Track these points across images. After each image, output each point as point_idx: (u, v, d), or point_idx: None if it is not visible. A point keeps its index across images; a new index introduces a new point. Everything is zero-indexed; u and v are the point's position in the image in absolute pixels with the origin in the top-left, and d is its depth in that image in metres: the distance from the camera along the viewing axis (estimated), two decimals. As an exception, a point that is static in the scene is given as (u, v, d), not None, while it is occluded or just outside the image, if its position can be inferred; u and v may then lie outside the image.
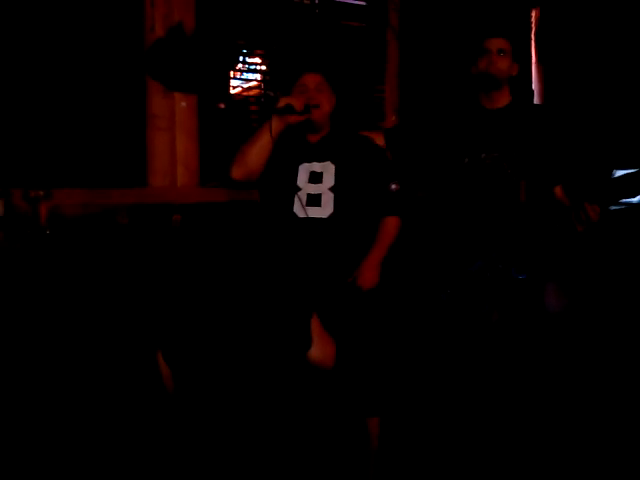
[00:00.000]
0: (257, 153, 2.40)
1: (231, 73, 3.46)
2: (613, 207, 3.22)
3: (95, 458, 2.37)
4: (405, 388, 2.57)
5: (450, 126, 2.64)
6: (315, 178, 2.43)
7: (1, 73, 2.74)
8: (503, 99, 2.61)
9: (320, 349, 1.93)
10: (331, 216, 2.37)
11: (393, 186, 2.48)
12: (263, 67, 3.51)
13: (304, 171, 2.44)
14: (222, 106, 3.39)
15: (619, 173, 3.57)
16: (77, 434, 2.43)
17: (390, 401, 2.41)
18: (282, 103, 2.38)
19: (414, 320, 2.96)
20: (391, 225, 2.48)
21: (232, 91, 3.47)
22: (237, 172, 2.44)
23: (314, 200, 2.38)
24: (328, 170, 2.43)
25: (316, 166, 2.46)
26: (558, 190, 2.66)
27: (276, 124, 2.38)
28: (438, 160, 2.64)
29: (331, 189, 2.41)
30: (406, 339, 2.81)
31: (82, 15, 2.94)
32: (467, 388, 2.64)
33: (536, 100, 4.14)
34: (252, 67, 3.52)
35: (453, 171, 2.61)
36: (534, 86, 4.22)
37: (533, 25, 4.25)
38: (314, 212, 2.39)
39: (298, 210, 2.38)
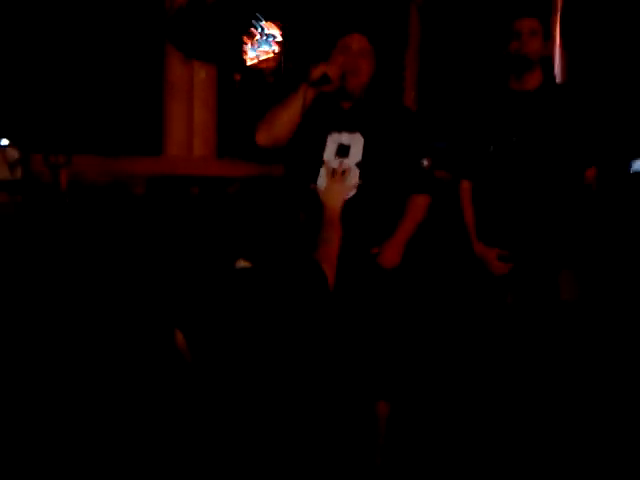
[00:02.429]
0: (287, 120, 2.29)
1: (249, 44, 3.40)
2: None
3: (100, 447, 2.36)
4: (415, 373, 2.56)
5: (479, 110, 2.59)
6: (343, 151, 2.34)
7: (25, 41, 2.69)
8: (534, 81, 2.56)
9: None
10: (355, 196, 2.30)
11: (425, 162, 2.39)
12: (282, 38, 3.45)
13: (332, 143, 2.34)
14: (238, 77, 3.34)
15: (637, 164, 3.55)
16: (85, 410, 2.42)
17: (400, 385, 2.39)
18: (318, 72, 2.27)
19: (430, 305, 2.95)
20: (421, 204, 2.39)
21: (250, 63, 3.42)
22: (263, 137, 2.34)
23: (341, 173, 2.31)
24: (356, 143, 2.33)
25: (345, 137, 2.36)
26: (590, 173, 2.63)
27: (310, 92, 2.28)
28: (467, 144, 2.59)
29: (358, 165, 2.32)
30: (420, 323, 2.79)
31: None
32: (476, 374, 2.64)
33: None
34: (270, 38, 3.46)
35: (482, 155, 2.56)
36: (556, 71, 4.18)
37: (558, 10, 4.19)
38: None
39: (320, 184, 2.30)
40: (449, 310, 2.94)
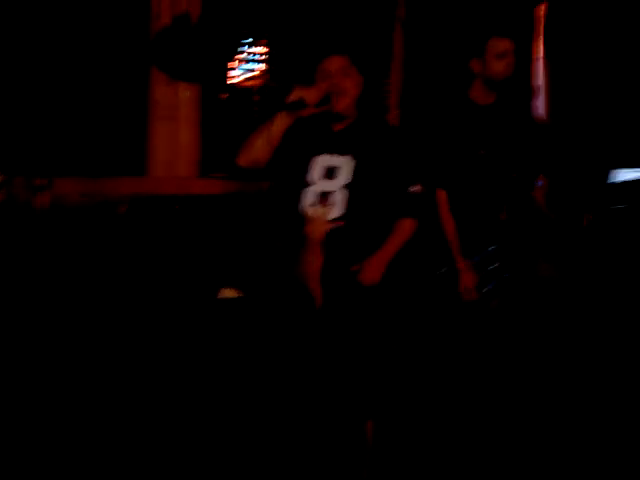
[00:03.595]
0: (263, 144, 2.32)
1: (235, 63, 3.43)
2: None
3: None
4: (400, 391, 2.57)
5: (448, 122, 2.67)
6: (330, 173, 2.34)
7: (4, 61, 2.71)
8: (492, 95, 2.68)
9: None
10: (341, 217, 2.30)
11: (415, 188, 2.41)
12: (267, 57, 3.48)
13: (320, 165, 2.35)
14: (224, 96, 3.37)
15: (622, 173, 3.57)
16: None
17: (385, 403, 2.39)
18: (294, 97, 2.28)
19: (412, 321, 2.95)
20: (407, 227, 2.40)
21: (234, 81, 3.44)
22: (243, 159, 2.37)
23: (325, 199, 2.31)
24: (346, 165, 2.34)
25: (335, 159, 2.36)
26: (537, 194, 2.72)
27: (285, 118, 2.30)
28: (439, 155, 2.64)
29: (346, 186, 2.32)
30: (402, 340, 2.80)
31: (88, 1, 2.91)
32: (463, 386, 2.64)
33: (542, 96, 4.11)
34: (256, 57, 3.49)
35: (453, 166, 2.64)
36: (539, 82, 4.20)
37: (541, 20, 4.22)
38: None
39: (307, 207, 2.30)
40: (430, 325, 2.94)
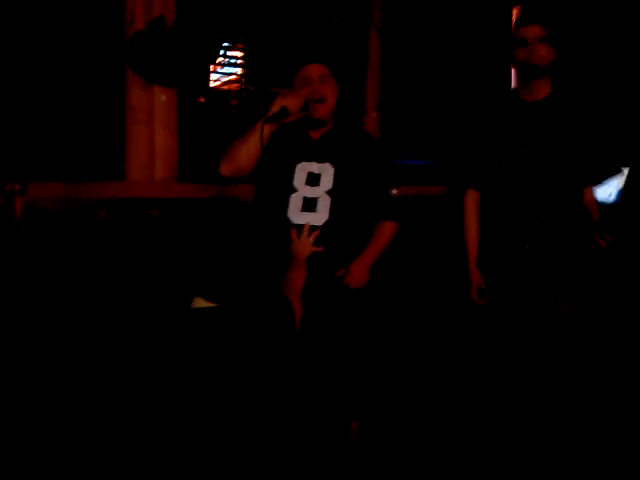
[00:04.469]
0: (247, 153, 2.33)
1: (211, 67, 3.41)
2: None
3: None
4: (384, 391, 2.57)
5: (489, 121, 2.54)
6: (313, 180, 2.36)
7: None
8: (543, 90, 2.50)
9: None
10: (326, 223, 2.31)
11: (394, 191, 2.44)
12: (244, 61, 3.47)
13: (302, 171, 2.37)
14: (202, 100, 3.35)
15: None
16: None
17: (368, 403, 2.39)
18: (277, 107, 2.29)
19: (400, 321, 2.96)
20: (388, 230, 2.44)
21: (212, 85, 3.43)
22: (226, 169, 2.37)
23: (310, 204, 2.33)
24: (327, 172, 2.36)
25: (314, 167, 2.39)
26: (588, 194, 2.55)
27: (269, 126, 2.30)
28: (475, 153, 2.55)
29: (328, 192, 2.34)
30: (389, 341, 2.80)
31: (61, 6, 2.87)
32: (449, 388, 2.64)
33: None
34: (233, 61, 3.47)
35: (488, 166, 2.52)
36: (514, 85, 4.24)
37: (514, 25, 4.26)
38: (308, 218, 2.32)
39: (292, 214, 2.31)
40: (418, 327, 2.95)
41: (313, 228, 2.23)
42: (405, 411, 2.68)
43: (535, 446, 2.44)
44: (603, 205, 3.02)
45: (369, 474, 2.34)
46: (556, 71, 2.53)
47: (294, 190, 2.36)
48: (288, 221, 2.34)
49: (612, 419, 2.65)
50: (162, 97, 3.12)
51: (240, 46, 3.45)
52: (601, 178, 2.54)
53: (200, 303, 1.86)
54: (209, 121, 3.28)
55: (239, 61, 3.45)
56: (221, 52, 3.40)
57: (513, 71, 4.24)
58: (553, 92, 2.52)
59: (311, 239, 2.19)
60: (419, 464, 2.45)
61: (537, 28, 2.45)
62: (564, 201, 2.51)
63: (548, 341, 2.49)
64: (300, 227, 2.26)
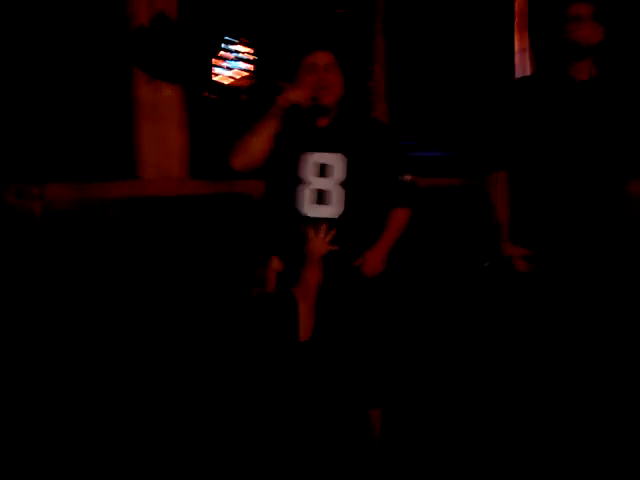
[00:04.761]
0: (259, 145, 2.30)
1: (219, 62, 3.40)
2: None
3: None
4: (407, 379, 2.57)
5: (529, 99, 2.41)
6: (323, 171, 2.33)
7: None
8: (585, 71, 2.39)
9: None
10: (342, 216, 2.29)
11: (407, 177, 2.41)
12: (253, 56, 3.46)
13: (312, 163, 2.33)
14: (212, 96, 3.34)
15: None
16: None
17: (392, 392, 2.39)
18: (284, 100, 2.27)
19: (418, 310, 2.96)
20: (402, 217, 2.41)
21: (223, 80, 3.42)
22: (238, 162, 2.34)
23: (323, 197, 2.29)
24: (338, 162, 2.32)
25: (325, 157, 2.35)
26: (634, 186, 2.44)
27: (279, 120, 2.28)
28: (508, 133, 2.44)
29: (341, 184, 2.31)
30: (408, 329, 2.80)
31: (66, 6, 2.87)
32: (467, 378, 2.65)
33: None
34: (241, 56, 3.47)
35: (525, 146, 2.40)
36: (518, 73, 4.24)
37: (516, 13, 4.26)
38: (323, 211, 2.29)
39: (305, 207, 2.28)
40: (437, 314, 2.95)
41: (330, 224, 2.22)
42: (427, 400, 2.69)
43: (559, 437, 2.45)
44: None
45: (390, 466, 2.35)
46: (602, 50, 2.39)
47: (305, 182, 2.32)
48: (301, 215, 2.31)
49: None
50: (168, 92, 3.11)
51: (247, 41, 3.45)
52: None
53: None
54: (220, 117, 3.27)
55: (248, 56, 3.45)
56: (229, 47, 3.39)
57: (518, 58, 4.25)
58: (600, 73, 2.39)
59: (328, 238, 2.18)
60: (439, 456, 2.47)
61: (583, 6, 2.28)
62: (607, 190, 2.41)
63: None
64: (314, 221, 2.24)
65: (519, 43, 4.28)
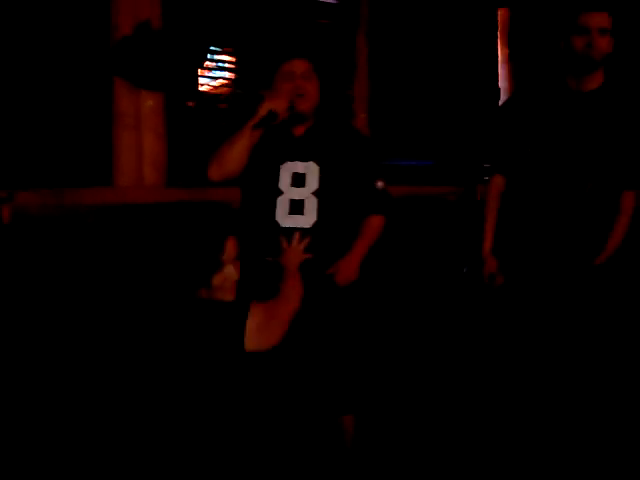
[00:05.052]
0: (235, 157, 2.30)
1: (199, 71, 3.41)
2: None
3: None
4: (379, 385, 2.56)
5: (532, 107, 2.38)
6: (298, 181, 2.33)
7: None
8: (594, 82, 2.35)
9: (255, 340, 1.89)
10: (315, 225, 2.29)
11: (379, 183, 2.41)
12: (233, 65, 3.47)
13: (287, 172, 2.33)
14: (191, 104, 3.34)
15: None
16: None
17: (364, 398, 2.38)
18: (264, 110, 2.27)
19: (391, 316, 2.95)
20: (376, 224, 2.41)
21: (201, 89, 3.42)
22: (214, 173, 2.35)
23: (297, 207, 2.30)
24: (312, 172, 2.33)
25: (299, 166, 2.35)
26: (627, 198, 2.35)
27: (257, 131, 2.29)
28: (509, 139, 2.42)
29: (315, 193, 2.32)
30: (381, 335, 2.79)
31: (46, 12, 2.87)
32: (441, 386, 2.63)
33: (502, 98, 4.14)
34: (221, 65, 3.47)
35: (526, 154, 2.37)
36: (500, 84, 4.25)
37: (499, 24, 4.28)
38: (296, 221, 2.29)
39: (280, 217, 2.29)
40: (412, 322, 2.94)
41: (303, 233, 2.21)
42: (400, 406, 2.67)
43: (540, 443, 2.43)
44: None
45: (361, 472, 2.33)
46: (609, 60, 2.32)
47: (280, 192, 2.33)
48: (276, 225, 2.32)
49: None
50: (149, 102, 3.12)
51: (228, 50, 3.45)
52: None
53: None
54: (198, 125, 3.27)
55: (228, 65, 3.45)
56: (209, 56, 3.39)
57: (501, 69, 4.26)
58: (604, 84, 2.35)
59: (301, 247, 2.17)
60: (416, 462, 2.44)
61: (604, 17, 2.18)
62: (601, 199, 2.38)
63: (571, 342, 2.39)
64: (289, 231, 2.24)
65: (503, 54, 4.30)
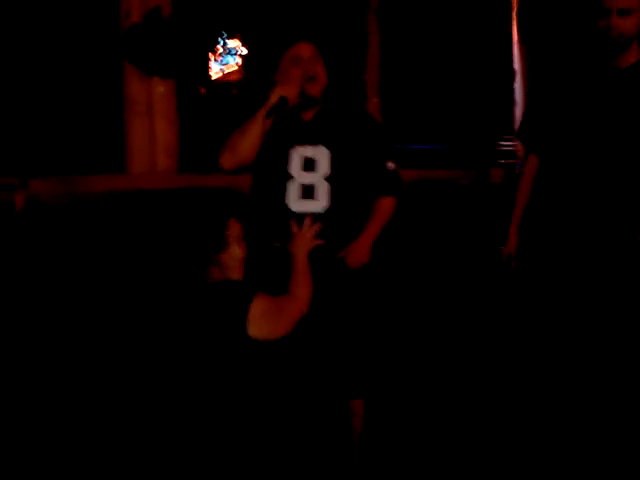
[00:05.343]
0: (247, 145, 2.29)
1: (211, 57, 3.41)
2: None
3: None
4: (390, 370, 2.55)
5: (572, 89, 2.35)
6: (309, 165, 2.31)
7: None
8: (629, 58, 2.29)
9: (259, 327, 1.88)
10: (327, 210, 2.28)
11: (390, 165, 2.39)
12: (244, 51, 3.47)
13: (297, 157, 2.32)
14: (203, 91, 3.35)
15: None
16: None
17: (374, 383, 2.38)
18: (275, 97, 2.27)
19: (401, 302, 2.94)
20: (387, 206, 2.38)
21: (212, 75, 3.43)
22: (227, 162, 2.34)
23: (308, 192, 2.29)
24: (322, 156, 2.31)
25: (309, 150, 2.33)
26: None
27: (269, 118, 2.29)
28: (544, 119, 2.39)
29: (327, 178, 2.30)
30: (392, 321, 2.78)
31: (56, 2, 2.88)
32: (452, 372, 2.62)
33: (518, 80, 4.10)
34: (233, 51, 3.47)
35: (560, 133, 2.35)
36: (516, 66, 4.20)
37: (514, 6, 4.22)
38: (308, 206, 2.27)
39: (292, 202, 2.28)
40: (423, 306, 2.93)
41: (315, 218, 2.20)
42: (411, 391, 2.67)
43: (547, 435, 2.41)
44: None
45: (373, 461, 2.33)
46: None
47: (291, 177, 2.32)
48: (287, 209, 2.31)
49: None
50: (160, 89, 3.13)
51: (239, 35, 3.45)
52: None
53: None
54: (210, 112, 3.28)
55: (239, 51, 3.45)
56: (220, 43, 3.39)
57: (516, 49, 4.21)
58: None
59: (311, 233, 2.15)
60: (422, 448, 2.44)
61: None
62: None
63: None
64: (300, 216, 2.23)
65: (518, 35, 4.24)
